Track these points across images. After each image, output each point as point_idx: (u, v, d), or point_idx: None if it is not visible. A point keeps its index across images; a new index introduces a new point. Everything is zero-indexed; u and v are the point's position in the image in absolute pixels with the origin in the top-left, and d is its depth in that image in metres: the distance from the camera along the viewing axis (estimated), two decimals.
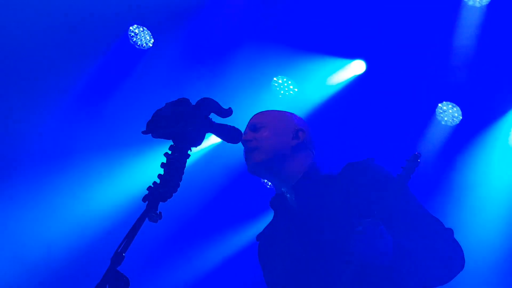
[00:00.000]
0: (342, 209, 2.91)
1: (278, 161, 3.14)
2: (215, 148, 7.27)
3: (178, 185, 2.46)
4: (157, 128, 2.55)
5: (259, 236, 3.34)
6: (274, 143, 3.17)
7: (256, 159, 3.13)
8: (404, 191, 2.96)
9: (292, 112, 3.42)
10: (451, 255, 2.83)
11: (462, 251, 2.87)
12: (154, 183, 2.44)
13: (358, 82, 7.15)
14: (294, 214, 3.07)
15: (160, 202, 2.42)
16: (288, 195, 3.12)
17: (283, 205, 3.13)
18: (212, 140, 7.05)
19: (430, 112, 7.19)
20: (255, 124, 3.25)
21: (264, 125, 3.23)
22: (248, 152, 3.18)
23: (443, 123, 7.18)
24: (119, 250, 2.27)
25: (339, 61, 7.11)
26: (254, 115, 3.35)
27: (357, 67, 7.11)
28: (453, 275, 2.85)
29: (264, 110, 3.44)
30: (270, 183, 6.55)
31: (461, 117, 7.12)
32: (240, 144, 3.07)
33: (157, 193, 2.41)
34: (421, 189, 7.20)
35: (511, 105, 6.99)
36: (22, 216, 7.18)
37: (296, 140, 3.23)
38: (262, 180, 6.67)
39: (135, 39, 7.14)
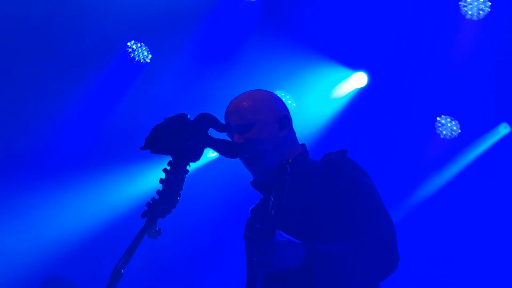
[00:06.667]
0: (311, 196, 2.88)
1: (274, 157, 3.05)
2: (213, 162, 7.26)
3: (177, 201, 2.45)
4: (155, 143, 2.55)
5: (252, 210, 3.30)
6: (269, 142, 3.05)
7: (260, 169, 3.04)
8: (361, 182, 2.90)
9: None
10: (381, 262, 2.73)
11: (393, 254, 2.74)
12: (153, 199, 2.43)
13: (359, 95, 7.17)
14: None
15: (159, 218, 2.41)
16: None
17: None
18: (210, 155, 7.05)
19: (429, 126, 7.20)
20: (241, 125, 3.03)
21: (251, 123, 3.03)
22: (250, 161, 3.02)
23: (442, 136, 7.18)
24: (118, 267, 2.25)
25: (341, 73, 7.13)
26: (231, 109, 3.09)
27: (359, 79, 7.12)
28: (379, 277, 2.76)
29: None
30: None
31: (459, 131, 7.13)
32: (238, 159, 3.03)
33: (156, 209, 2.40)
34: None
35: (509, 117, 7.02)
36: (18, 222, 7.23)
37: (284, 130, 3.08)
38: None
39: (132, 55, 7.15)
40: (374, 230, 2.76)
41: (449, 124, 7.15)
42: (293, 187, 2.80)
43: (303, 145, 3.16)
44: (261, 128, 3.04)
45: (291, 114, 3.19)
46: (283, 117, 3.10)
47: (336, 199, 2.84)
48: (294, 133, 3.16)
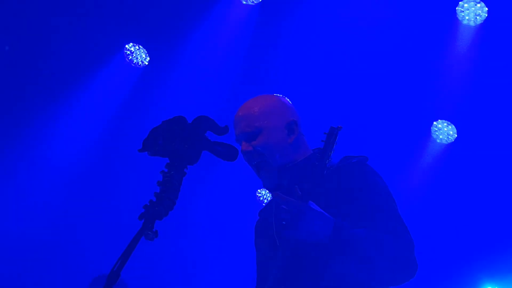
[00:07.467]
0: (326, 197, 2.90)
1: (282, 163, 3.08)
2: (211, 165, 7.25)
3: (174, 203, 2.45)
4: (153, 146, 2.55)
5: (260, 212, 3.32)
6: (276, 148, 3.05)
7: (268, 174, 3.05)
8: (381, 191, 2.95)
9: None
10: (402, 260, 2.78)
11: (414, 261, 2.81)
12: (150, 201, 2.43)
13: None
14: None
15: (156, 220, 2.41)
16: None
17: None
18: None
19: (426, 130, 7.21)
20: (249, 133, 3.09)
21: (259, 130, 3.07)
22: (259, 168, 3.07)
23: (438, 141, 7.19)
24: (115, 269, 2.26)
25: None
26: (239, 116, 3.14)
27: None
28: (397, 276, 2.81)
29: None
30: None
31: (456, 135, 7.13)
32: (236, 160, 3.04)
33: (153, 211, 2.40)
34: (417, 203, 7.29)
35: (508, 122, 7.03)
36: None
37: (292, 135, 3.11)
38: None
39: (130, 57, 7.16)
40: (398, 235, 2.80)
41: (445, 129, 7.16)
42: (304, 189, 2.82)
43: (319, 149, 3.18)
44: (268, 134, 3.07)
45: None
46: (291, 122, 3.13)
47: (356, 202, 2.86)
48: (303, 137, 3.19)
